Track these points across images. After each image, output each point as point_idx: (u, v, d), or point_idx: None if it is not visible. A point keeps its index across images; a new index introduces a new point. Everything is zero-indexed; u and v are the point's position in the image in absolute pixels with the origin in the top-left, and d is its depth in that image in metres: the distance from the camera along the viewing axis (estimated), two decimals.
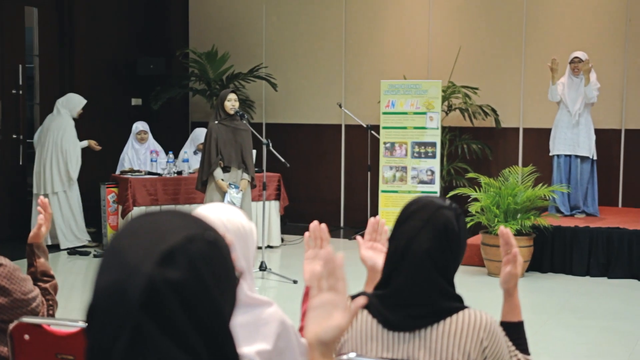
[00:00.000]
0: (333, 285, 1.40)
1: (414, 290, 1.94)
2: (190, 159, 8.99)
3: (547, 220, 7.79)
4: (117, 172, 8.94)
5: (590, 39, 9.45)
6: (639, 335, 5.76)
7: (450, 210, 2.01)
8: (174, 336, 1.07)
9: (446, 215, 1.99)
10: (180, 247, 1.10)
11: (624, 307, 6.58)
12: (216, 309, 1.12)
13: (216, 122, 7.44)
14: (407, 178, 9.23)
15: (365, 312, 2.02)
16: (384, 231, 2.26)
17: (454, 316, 1.95)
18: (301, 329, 2.16)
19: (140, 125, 9.18)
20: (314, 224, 2.22)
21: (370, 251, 2.25)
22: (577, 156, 8.55)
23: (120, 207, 8.50)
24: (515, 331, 2.12)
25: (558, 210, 8.56)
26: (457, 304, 1.98)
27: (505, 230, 2.12)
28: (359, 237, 2.35)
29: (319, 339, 1.40)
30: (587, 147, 8.49)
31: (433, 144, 9.14)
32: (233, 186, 7.43)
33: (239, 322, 1.84)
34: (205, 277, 1.10)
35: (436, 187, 9.13)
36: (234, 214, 1.90)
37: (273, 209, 9.04)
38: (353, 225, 10.49)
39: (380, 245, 2.24)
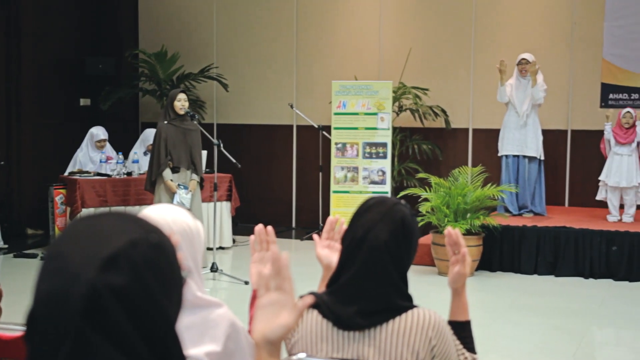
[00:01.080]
0: (279, 285, 1.41)
1: (367, 281, 1.95)
2: (140, 160, 8.90)
3: (496, 220, 7.89)
4: (66, 173, 8.80)
5: (537, 41, 9.61)
6: (585, 332, 5.88)
7: (407, 208, 2.06)
8: (118, 343, 1.05)
9: (403, 210, 2.03)
10: (123, 252, 1.08)
11: (571, 305, 6.70)
12: (161, 313, 1.10)
13: (165, 122, 7.37)
14: (358, 178, 9.26)
15: (316, 312, 2.03)
16: (342, 230, 2.27)
17: (403, 315, 1.96)
18: (250, 332, 2.15)
19: (101, 134, 8.92)
20: (259, 227, 2.22)
21: (327, 250, 2.26)
22: (525, 156, 8.69)
23: (68, 209, 8.37)
24: (462, 330, 2.15)
25: (507, 210, 8.68)
26: (407, 303, 1.99)
27: (453, 231, 2.14)
28: (315, 236, 2.36)
29: (266, 338, 1.41)
30: (535, 148, 8.63)
31: (384, 145, 9.19)
32: (182, 187, 7.38)
33: (187, 323, 1.83)
34: (149, 282, 1.08)
35: (387, 188, 9.18)
36: (180, 214, 1.88)
37: (224, 210, 9.00)
38: (305, 226, 10.50)
39: (337, 244, 2.25)
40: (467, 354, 2.10)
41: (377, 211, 2.01)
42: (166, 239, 1.15)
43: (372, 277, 1.95)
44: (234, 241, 9.24)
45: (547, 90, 8.65)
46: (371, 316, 1.97)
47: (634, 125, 8.23)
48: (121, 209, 8.25)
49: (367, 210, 2.03)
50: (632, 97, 9.34)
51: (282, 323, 1.40)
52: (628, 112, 8.27)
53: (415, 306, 2.01)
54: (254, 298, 2.22)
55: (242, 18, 11.06)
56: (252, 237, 2.23)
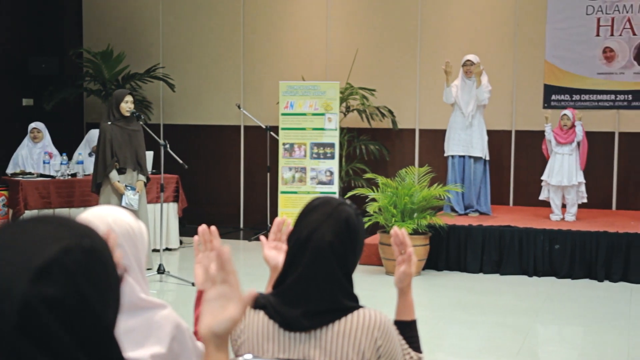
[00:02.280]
0: (225, 279, 1.41)
1: (312, 282, 1.94)
2: (84, 161, 8.77)
3: (442, 219, 7.98)
4: (8, 174, 8.62)
5: (482, 42, 9.75)
6: (528, 329, 5.97)
7: (351, 208, 2.05)
8: (55, 355, 1.02)
9: (348, 210, 2.03)
10: (55, 261, 1.03)
11: (515, 303, 6.80)
12: (97, 320, 1.07)
13: (109, 123, 7.27)
14: (306, 179, 9.27)
15: (262, 313, 2.02)
16: (289, 231, 2.27)
17: (349, 316, 1.97)
18: (195, 333, 2.14)
19: (34, 123, 8.84)
20: (203, 227, 2.21)
21: (274, 251, 2.26)
22: (470, 157, 8.80)
23: (10, 211, 8.21)
24: (408, 330, 2.16)
25: (453, 210, 8.78)
26: (352, 303, 2.00)
27: (399, 231, 2.16)
28: (262, 237, 2.36)
29: (212, 331, 1.40)
30: (480, 148, 8.75)
31: (332, 145, 9.22)
32: (129, 188, 7.30)
33: (131, 326, 1.81)
34: (84, 290, 1.05)
35: (335, 188, 9.21)
36: (121, 215, 1.86)
37: (171, 211, 8.92)
38: (253, 227, 10.47)
39: (284, 245, 2.25)
40: (413, 354, 2.12)
41: (322, 212, 2.01)
42: (100, 241, 1.12)
43: (317, 278, 1.95)
44: (181, 242, 9.17)
45: (491, 92, 8.77)
46: (317, 317, 1.97)
47: (573, 126, 8.40)
48: (65, 211, 8.12)
49: (312, 211, 2.02)
50: (573, 98, 9.53)
51: (229, 316, 1.40)
52: (565, 114, 8.43)
53: (361, 306, 2.02)
54: (198, 299, 2.21)
55: (189, 18, 10.98)
56: (195, 237, 2.22)
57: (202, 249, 2.22)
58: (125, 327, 1.79)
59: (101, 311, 1.08)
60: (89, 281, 1.06)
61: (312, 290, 1.95)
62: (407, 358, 2.09)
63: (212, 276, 1.41)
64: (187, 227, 9.65)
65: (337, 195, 8.91)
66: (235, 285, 1.41)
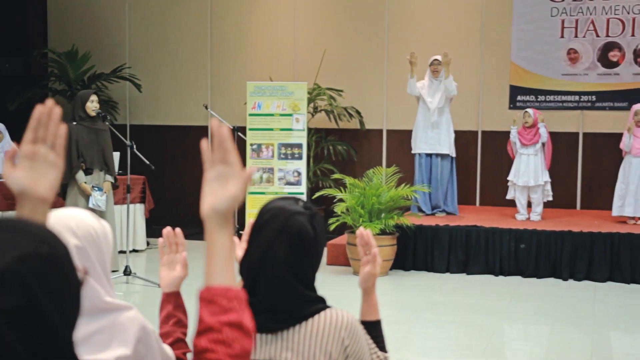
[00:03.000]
0: (223, 158, 1.40)
1: (274, 298, 1.94)
2: None
3: (410, 220, 8.02)
4: None
5: (449, 43, 9.80)
6: (495, 328, 6.03)
7: (303, 215, 1.99)
8: None
9: (299, 221, 1.97)
10: (11, 270, 1.01)
11: (481, 302, 6.86)
12: (54, 329, 1.05)
13: (75, 123, 7.19)
14: (274, 179, 9.26)
15: None
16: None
17: (316, 317, 1.97)
18: (161, 335, 2.13)
19: None
20: (167, 229, 2.20)
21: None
22: (437, 155, 8.84)
23: None
24: (373, 330, 2.17)
25: (420, 210, 8.83)
26: (318, 305, 1.99)
27: (364, 232, 2.16)
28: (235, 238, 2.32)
29: (215, 210, 1.38)
30: (448, 145, 8.80)
31: (299, 146, 9.22)
32: (96, 189, 7.24)
33: (95, 329, 1.79)
34: (41, 299, 1.03)
35: (303, 188, 9.22)
36: (84, 217, 1.84)
37: (138, 212, 8.86)
38: None
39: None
40: (380, 353, 2.13)
41: (273, 228, 1.95)
42: (60, 247, 1.10)
43: (277, 294, 1.94)
44: (147, 244, 9.11)
45: (458, 90, 8.84)
46: (284, 322, 1.97)
47: (536, 126, 8.48)
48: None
49: (263, 227, 1.98)
50: (538, 99, 9.63)
51: (230, 194, 1.39)
52: (526, 112, 8.53)
53: (328, 307, 2.02)
54: (164, 301, 2.20)
55: (156, 18, 10.92)
56: (160, 239, 2.21)
57: (167, 251, 2.21)
58: (89, 331, 1.78)
59: (58, 320, 1.06)
60: (46, 290, 1.04)
61: (275, 305, 1.94)
62: (373, 357, 2.10)
63: (208, 153, 1.40)
64: (154, 228, 9.59)
65: (304, 196, 8.93)
66: (234, 163, 1.40)
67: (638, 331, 6.07)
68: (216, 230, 1.38)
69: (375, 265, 2.15)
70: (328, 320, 1.97)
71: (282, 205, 2.00)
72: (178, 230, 2.21)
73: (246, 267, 1.99)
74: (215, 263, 1.37)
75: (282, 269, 1.93)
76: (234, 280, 1.38)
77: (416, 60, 8.70)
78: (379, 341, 2.17)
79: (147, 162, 7.33)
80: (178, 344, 2.16)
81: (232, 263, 1.38)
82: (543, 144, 8.52)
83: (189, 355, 2.10)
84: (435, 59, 8.80)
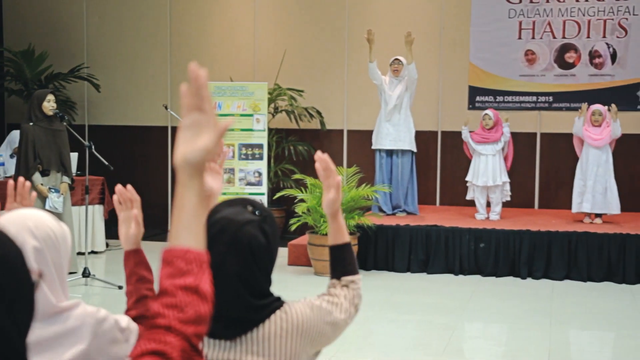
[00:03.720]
0: (199, 105, 1.33)
1: (227, 309, 1.93)
2: (5, 163, 8.54)
3: (371, 220, 8.05)
4: None
5: None
6: (454, 327, 6.08)
7: (253, 223, 1.95)
8: None
9: (249, 233, 1.93)
10: None
11: (441, 301, 6.91)
12: (6, 334, 1.01)
13: (31, 123, 7.08)
14: (234, 180, 9.23)
15: None
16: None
17: (272, 317, 1.96)
18: (127, 294, 2.17)
19: None
20: (119, 187, 2.20)
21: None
22: (398, 153, 8.87)
23: None
24: (342, 252, 2.17)
25: (381, 210, 8.87)
26: (273, 306, 1.99)
27: (323, 156, 2.14)
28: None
29: (186, 160, 1.32)
30: (408, 141, 8.85)
31: (260, 146, 9.20)
32: (53, 190, 7.14)
33: (48, 334, 1.77)
34: None
35: (264, 189, 9.20)
36: (43, 218, 1.81)
37: (97, 213, 8.77)
38: None
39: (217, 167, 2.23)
40: (334, 296, 2.10)
41: (222, 242, 1.91)
42: (12, 249, 1.06)
43: (231, 306, 1.92)
44: (107, 245, 9.02)
45: (418, 92, 8.90)
46: (239, 327, 1.95)
47: (497, 126, 8.57)
48: None
49: (212, 241, 1.90)
50: (497, 100, 9.74)
51: (202, 145, 1.32)
52: (486, 114, 8.61)
53: (282, 304, 2.00)
54: (125, 260, 2.22)
55: (114, 17, 10.81)
56: (114, 196, 2.21)
57: (122, 208, 2.21)
58: (42, 336, 1.75)
59: (9, 325, 1.02)
60: None
61: (228, 315, 1.93)
62: (334, 317, 2.07)
63: (185, 96, 1.34)
64: (114, 230, 9.51)
65: (265, 196, 8.91)
66: (209, 112, 1.33)
67: (595, 328, 6.17)
68: (186, 182, 1.31)
69: (339, 191, 2.15)
70: (284, 318, 1.97)
71: (230, 216, 1.95)
72: (129, 186, 2.21)
73: None
74: (181, 221, 1.30)
75: (234, 284, 1.90)
76: (199, 239, 1.32)
77: (373, 37, 8.73)
78: (349, 263, 2.17)
79: (106, 163, 7.25)
80: (142, 301, 2.15)
81: (199, 220, 1.32)
82: (504, 145, 8.59)
83: None
84: (397, 59, 8.85)
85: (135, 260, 2.20)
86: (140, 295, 2.15)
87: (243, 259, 1.91)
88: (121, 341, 1.95)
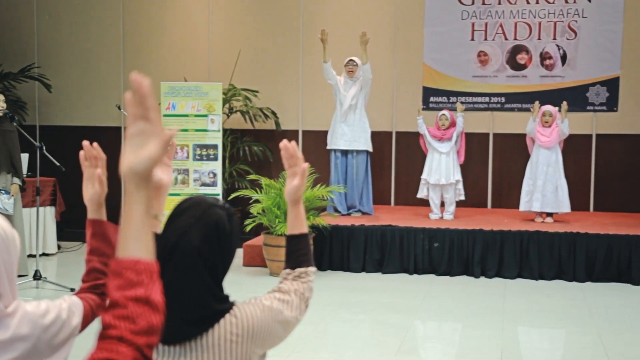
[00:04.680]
0: (144, 115, 1.33)
1: (181, 289, 1.91)
2: None
3: (326, 220, 8.06)
4: None
5: None
6: (409, 326, 6.12)
7: (223, 210, 1.99)
8: None
9: (218, 213, 1.97)
10: None
11: (396, 301, 6.96)
12: None
13: None
14: (189, 181, 9.17)
15: None
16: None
17: (222, 321, 1.95)
18: (82, 283, 2.14)
19: None
20: (86, 143, 2.18)
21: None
22: (353, 154, 8.90)
23: None
24: (299, 242, 2.17)
25: (336, 210, 8.89)
26: (224, 306, 1.98)
27: (289, 144, 2.15)
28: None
29: (132, 170, 1.32)
30: (364, 141, 8.89)
31: (215, 147, 9.15)
32: (3, 192, 7.02)
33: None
34: None
35: (218, 190, 9.15)
36: None
37: (48, 215, 8.64)
38: None
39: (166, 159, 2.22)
40: (284, 293, 2.10)
41: (192, 214, 1.95)
42: None
43: (185, 285, 1.91)
44: (59, 247, 8.89)
45: (372, 93, 8.94)
46: (189, 328, 1.94)
47: (452, 127, 8.65)
48: None
49: (182, 214, 1.97)
50: (450, 100, 9.83)
51: (147, 154, 1.32)
52: (443, 114, 8.69)
53: (232, 304, 2.00)
54: (86, 227, 2.19)
55: (66, 17, 10.66)
56: (81, 152, 2.19)
57: (87, 165, 2.20)
58: None
59: None
60: None
61: (181, 297, 1.92)
62: (284, 315, 2.07)
63: (128, 102, 1.34)
64: (66, 232, 9.39)
65: (220, 197, 8.87)
66: (155, 121, 1.33)
67: (546, 326, 6.26)
68: (133, 192, 1.32)
69: (303, 178, 2.15)
70: (234, 322, 1.96)
71: (203, 198, 2.02)
72: (95, 144, 2.19)
73: (159, 251, 1.97)
74: (129, 231, 1.30)
75: (194, 256, 1.92)
76: (149, 249, 1.32)
77: (327, 37, 8.75)
78: (305, 253, 2.18)
79: (58, 164, 7.15)
80: (92, 274, 2.13)
81: (148, 230, 1.32)
82: (457, 139, 8.66)
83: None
84: (351, 60, 8.88)
85: (92, 231, 2.18)
86: (91, 268, 2.15)
87: (207, 236, 1.93)
88: (67, 322, 1.93)
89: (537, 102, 8.60)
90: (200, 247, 1.92)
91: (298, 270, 2.16)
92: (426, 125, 8.79)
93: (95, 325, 1.82)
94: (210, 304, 1.94)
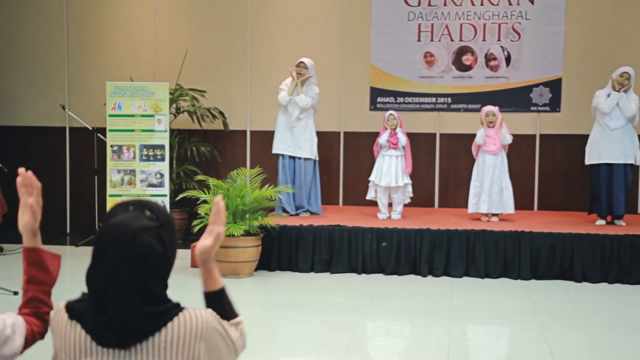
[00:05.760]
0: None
1: (122, 319, 1.90)
2: None
3: (274, 220, 8.06)
4: None
5: (311, 45, 9.93)
6: (357, 325, 6.15)
7: (149, 231, 1.92)
8: None
9: (144, 241, 1.90)
10: None
11: (345, 300, 6.98)
12: None
13: None
14: (136, 181, 9.08)
15: (79, 326, 1.96)
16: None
17: (169, 324, 1.94)
18: (20, 309, 2.12)
19: None
20: (21, 170, 2.15)
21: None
22: (300, 157, 8.93)
23: None
24: (218, 298, 2.14)
25: (284, 210, 8.89)
26: (172, 312, 1.96)
27: (222, 202, 2.13)
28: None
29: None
30: (309, 150, 8.90)
31: (162, 147, 9.08)
32: None
33: None
34: None
35: (166, 190, 9.08)
36: None
37: None
38: (80, 232, 10.14)
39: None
40: (232, 326, 2.11)
41: (117, 249, 1.89)
42: None
43: (124, 316, 1.89)
44: (1, 249, 8.72)
45: (319, 95, 8.96)
46: (134, 338, 1.92)
47: (401, 127, 8.72)
48: None
49: (106, 249, 1.91)
50: (398, 101, 9.91)
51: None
52: (391, 114, 8.75)
53: (181, 310, 1.98)
54: (23, 257, 2.16)
55: (7, 12, 10.46)
56: (18, 179, 2.15)
57: (24, 191, 2.17)
58: None
59: None
60: None
61: (124, 325, 1.90)
62: (231, 337, 2.07)
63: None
64: (9, 233, 9.20)
65: (167, 197, 8.80)
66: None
67: (492, 323, 6.36)
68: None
69: (216, 242, 2.12)
70: (182, 325, 1.95)
71: (125, 222, 1.92)
72: (30, 172, 2.16)
73: (91, 286, 1.94)
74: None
75: (127, 294, 1.88)
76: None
77: (306, 77, 8.76)
78: (227, 308, 2.14)
79: (0, 165, 7.01)
80: (32, 303, 2.11)
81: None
82: (403, 147, 8.74)
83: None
84: (302, 62, 8.86)
85: (28, 260, 2.15)
86: (29, 297, 2.12)
87: (137, 269, 1.89)
88: (10, 338, 1.91)
89: (481, 115, 8.66)
90: (131, 284, 1.88)
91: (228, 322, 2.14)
92: (378, 128, 8.83)
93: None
94: (152, 318, 1.92)
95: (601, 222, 8.51)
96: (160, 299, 1.95)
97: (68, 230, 10.39)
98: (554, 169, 9.79)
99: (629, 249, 7.77)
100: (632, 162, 8.41)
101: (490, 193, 8.57)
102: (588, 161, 8.59)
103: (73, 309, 1.98)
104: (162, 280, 1.96)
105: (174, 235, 1.99)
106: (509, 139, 8.53)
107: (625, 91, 8.37)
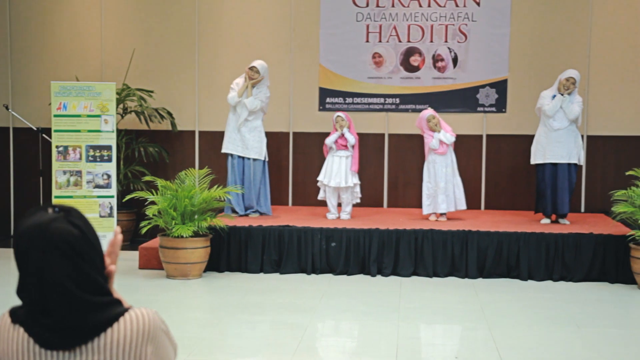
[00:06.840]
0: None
1: (69, 317, 1.87)
2: None
3: (223, 221, 8.02)
4: None
5: (259, 45, 9.91)
6: (307, 326, 6.16)
7: (58, 219, 1.88)
8: None
9: (58, 228, 1.87)
10: None
11: (294, 301, 6.99)
12: None
13: None
14: (82, 183, 8.94)
15: (22, 329, 1.93)
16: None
17: (115, 325, 1.92)
18: None
19: None
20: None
21: None
22: (249, 158, 8.91)
23: None
24: None
25: (233, 211, 8.86)
26: (116, 310, 1.94)
27: (120, 237, 2.09)
28: None
29: None
30: (258, 151, 8.88)
31: (109, 147, 8.96)
32: None
33: None
34: None
35: (113, 191, 8.97)
36: None
37: None
38: None
39: None
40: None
41: (35, 250, 1.85)
42: None
43: (71, 314, 1.87)
44: None
45: (269, 98, 8.95)
46: (79, 337, 1.89)
47: (350, 128, 8.75)
48: None
49: (26, 255, 1.86)
50: (347, 101, 9.95)
51: None
52: (339, 116, 8.78)
53: (126, 310, 1.96)
54: None
55: None
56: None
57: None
58: None
59: None
60: None
61: (64, 319, 1.86)
62: (171, 334, 2.07)
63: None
64: None
65: (114, 199, 8.69)
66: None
67: (440, 322, 6.42)
68: None
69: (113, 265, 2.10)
70: (129, 326, 1.92)
71: (32, 223, 1.88)
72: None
73: (27, 295, 1.90)
74: None
75: (63, 288, 1.84)
76: None
77: (257, 80, 8.75)
78: None
79: None
80: None
81: None
82: (352, 147, 8.77)
83: None
84: (254, 66, 8.82)
85: None
86: None
87: (65, 259, 1.85)
88: None
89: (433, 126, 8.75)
90: (62, 275, 1.84)
91: None
92: (328, 129, 8.85)
93: None
94: (100, 309, 1.89)
95: (546, 220, 8.67)
96: (103, 287, 1.91)
97: (12, 233, 10.19)
98: (501, 169, 9.94)
99: (572, 247, 7.93)
100: (575, 161, 8.57)
101: (447, 192, 8.67)
102: (533, 161, 8.74)
103: (16, 314, 1.95)
104: (97, 266, 1.92)
105: (85, 220, 1.93)
106: (451, 138, 8.63)
107: (569, 94, 8.54)
